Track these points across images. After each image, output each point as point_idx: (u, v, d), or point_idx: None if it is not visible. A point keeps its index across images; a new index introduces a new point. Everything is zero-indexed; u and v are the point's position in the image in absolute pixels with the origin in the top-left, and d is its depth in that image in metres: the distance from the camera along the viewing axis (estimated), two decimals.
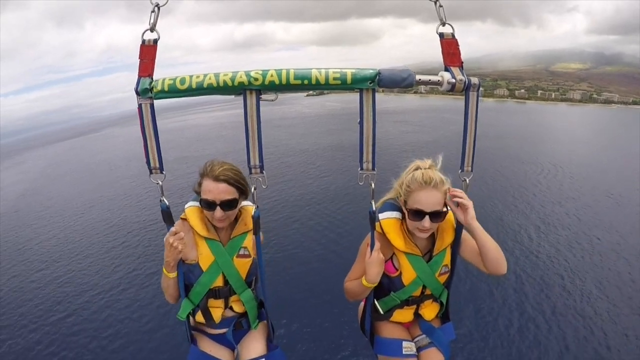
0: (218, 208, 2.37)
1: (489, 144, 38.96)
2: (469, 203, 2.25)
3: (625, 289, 13.48)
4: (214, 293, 2.54)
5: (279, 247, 16.75)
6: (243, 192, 2.49)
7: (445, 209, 2.34)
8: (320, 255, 16.02)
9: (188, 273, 2.49)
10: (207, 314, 2.58)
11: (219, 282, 2.52)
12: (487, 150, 35.52)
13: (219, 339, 2.69)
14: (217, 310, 2.60)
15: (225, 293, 2.57)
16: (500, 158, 34.04)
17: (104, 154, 55.69)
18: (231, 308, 2.65)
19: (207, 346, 2.66)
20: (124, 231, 20.65)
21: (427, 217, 2.29)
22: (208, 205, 2.38)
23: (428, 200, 2.28)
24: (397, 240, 2.45)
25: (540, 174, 29.06)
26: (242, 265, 2.56)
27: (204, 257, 2.48)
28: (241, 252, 2.54)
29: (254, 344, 2.68)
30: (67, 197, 30.44)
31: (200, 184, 2.44)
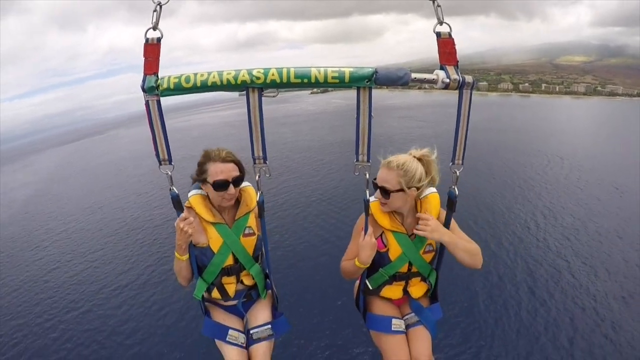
0: (231, 186, 2.57)
1: (493, 137, 39.27)
2: (427, 220, 2.55)
3: (630, 271, 13.91)
4: (226, 271, 2.76)
5: (288, 244, 16.95)
6: (242, 172, 2.67)
7: (394, 191, 2.56)
8: (325, 251, 16.24)
9: (201, 256, 2.70)
10: (223, 290, 2.81)
11: (229, 260, 2.73)
12: (492, 143, 35.93)
13: (230, 310, 2.92)
14: (231, 285, 2.82)
15: (236, 270, 2.79)
16: (506, 151, 34.36)
17: (111, 154, 56.21)
18: (242, 282, 2.86)
19: (220, 316, 2.90)
20: (138, 228, 21.12)
21: (379, 189, 2.61)
22: (221, 185, 2.54)
23: (381, 175, 2.61)
24: (383, 219, 2.71)
25: (547, 166, 29.42)
26: (249, 243, 2.76)
27: (214, 240, 2.68)
28: (246, 231, 2.73)
29: (261, 312, 2.92)
30: (77, 198, 30.89)
31: (205, 170, 2.58)
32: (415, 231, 2.59)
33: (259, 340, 2.78)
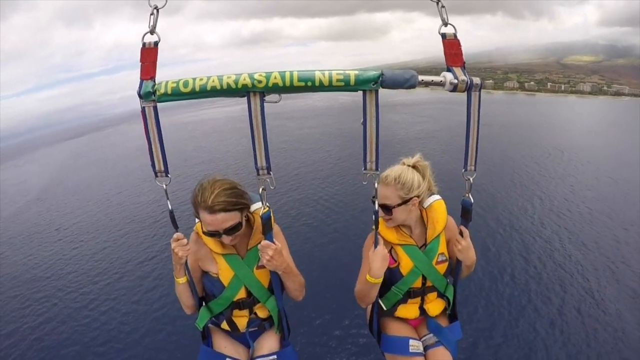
0: (224, 235, 2.29)
1: (495, 131, 40.77)
2: (466, 238, 2.45)
3: (610, 249, 15.39)
4: (238, 305, 2.55)
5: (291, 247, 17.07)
6: (245, 206, 2.37)
7: (395, 206, 2.50)
8: (329, 255, 16.43)
9: (210, 285, 2.51)
10: (232, 325, 2.60)
11: (241, 294, 2.52)
12: (493, 137, 37.21)
13: (236, 336, 2.71)
14: (242, 319, 2.61)
15: (249, 304, 2.57)
16: (507, 144, 35.32)
17: (120, 146, 57.40)
18: (255, 314, 2.64)
19: (222, 341, 2.67)
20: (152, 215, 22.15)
21: (380, 207, 2.51)
22: (212, 234, 2.31)
23: (380, 193, 2.52)
24: (389, 234, 2.60)
25: (547, 158, 30.59)
26: (264, 276, 2.51)
27: (224, 272, 2.46)
28: (260, 262, 2.41)
29: (268, 341, 2.70)
30: (93, 186, 31.82)
31: (197, 213, 2.31)
32: (457, 251, 2.48)
33: None
